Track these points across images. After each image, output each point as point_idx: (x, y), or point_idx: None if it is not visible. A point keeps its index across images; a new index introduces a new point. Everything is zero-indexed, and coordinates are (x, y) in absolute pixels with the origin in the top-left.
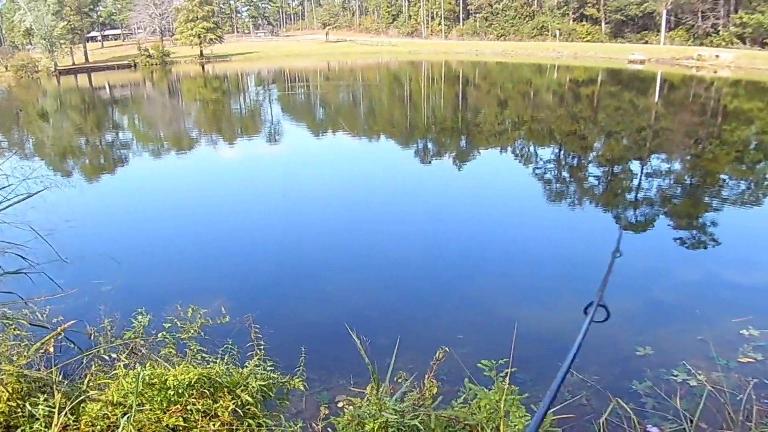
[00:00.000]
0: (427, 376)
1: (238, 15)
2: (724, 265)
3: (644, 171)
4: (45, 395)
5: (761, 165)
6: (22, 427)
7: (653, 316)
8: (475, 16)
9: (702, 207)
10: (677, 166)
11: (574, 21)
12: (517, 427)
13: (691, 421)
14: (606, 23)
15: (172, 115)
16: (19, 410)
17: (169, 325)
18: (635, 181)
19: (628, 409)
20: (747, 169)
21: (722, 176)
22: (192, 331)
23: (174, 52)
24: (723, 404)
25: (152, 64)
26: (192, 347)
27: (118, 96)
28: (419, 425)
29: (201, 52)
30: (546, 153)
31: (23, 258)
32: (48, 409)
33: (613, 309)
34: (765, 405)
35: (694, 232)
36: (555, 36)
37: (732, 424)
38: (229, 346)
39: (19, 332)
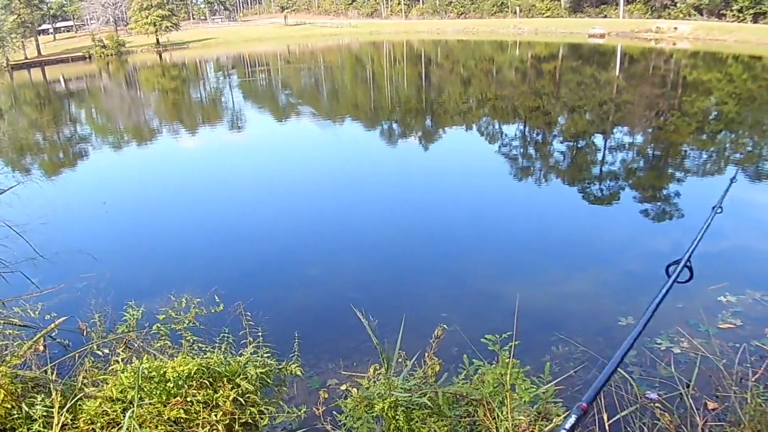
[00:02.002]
0: (427, 354)
1: (194, 1)
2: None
3: (607, 144)
4: (41, 395)
5: (721, 135)
6: (20, 429)
7: (631, 287)
8: None
9: (665, 178)
10: (639, 138)
11: None
12: (523, 400)
13: (688, 386)
14: None
15: (134, 106)
16: (15, 412)
17: (164, 316)
18: (599, 155)
19: (629, 377)
20: (708, 140)
21: (684, 147)
22: (186, 322)
23: (129, 41)
24: (714, 370)
25: (107, 55)
26: (187, 338)
27: (74, 89)
28: (428, 402)
29: (157, 40)
30: (513, 130)
31: None
32: (46, 409)
33: (606, 279)
34: (755, 369)
35: (660, 203)
36: (515, 12)
37: (727, 389)
38: (225, 335)
39: (10, 332)
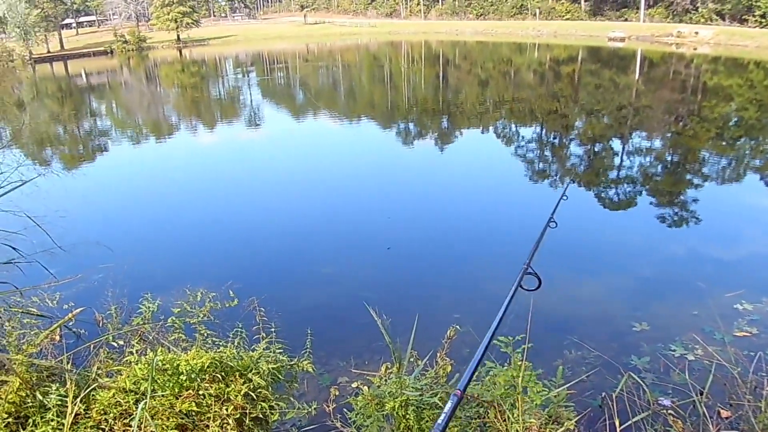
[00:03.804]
0: (439, 355)
1: None
2: (711, 240)
3: (625, 149)
4: (56, 384)
5: (741, 141)
6: (34, 418)
7: (647, 292)
8: None
9: (684, 184)
10: (658, 143)
11: None
12: (534, 403)
13: (701, 393)
14: (585, 1)
15: (154, 101)
16: (29, 400)
17: (179, 310)
18: (617, 159)
19: (642, 383)
20: (727, 146)
21: (703, 153)
22: (201, 315)
23: (150, 37)
24: (728, 378)
25: (129, 50)
26: (201, 331)
27: (95, 83)
28: (439, 402)
29: (178, 36)
30: (528, 132)
31: (14, 248)
32: (60, 398)
33: (620, 285)
34: None
35: (677, 209)
36: (535, 14)
37: (741, 398)
38: (239, 330)
39: (27, 321)
